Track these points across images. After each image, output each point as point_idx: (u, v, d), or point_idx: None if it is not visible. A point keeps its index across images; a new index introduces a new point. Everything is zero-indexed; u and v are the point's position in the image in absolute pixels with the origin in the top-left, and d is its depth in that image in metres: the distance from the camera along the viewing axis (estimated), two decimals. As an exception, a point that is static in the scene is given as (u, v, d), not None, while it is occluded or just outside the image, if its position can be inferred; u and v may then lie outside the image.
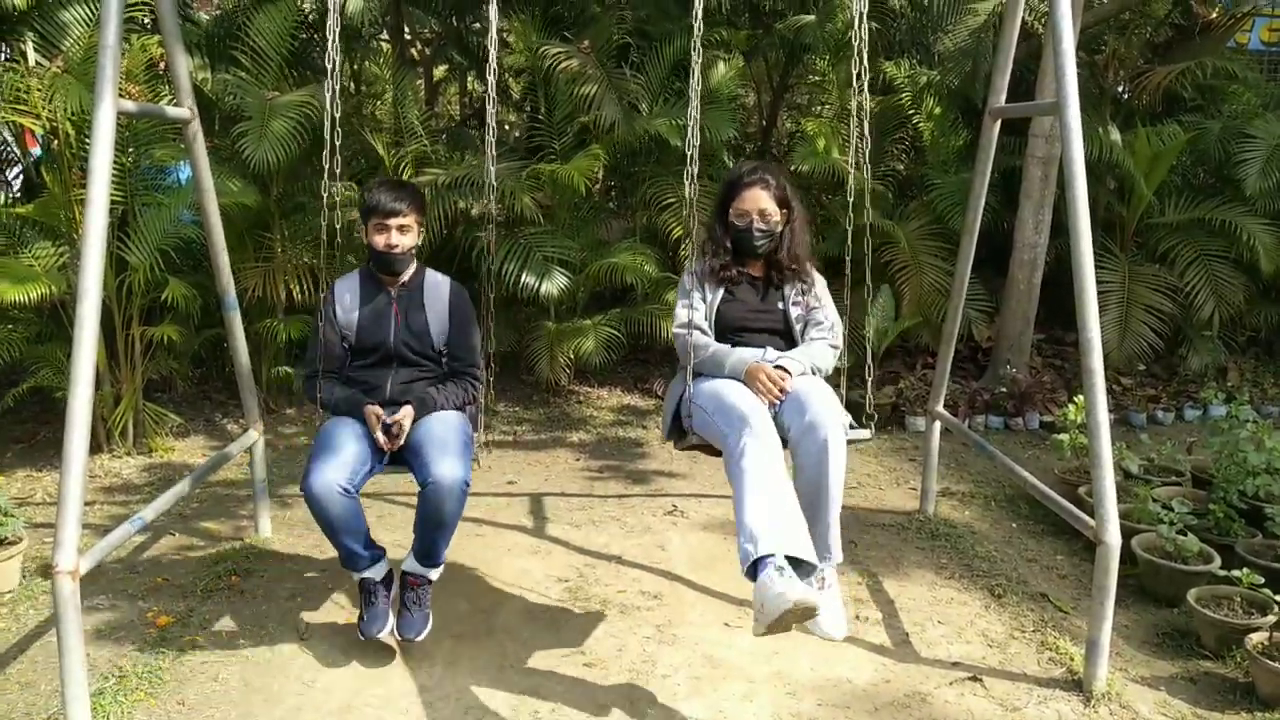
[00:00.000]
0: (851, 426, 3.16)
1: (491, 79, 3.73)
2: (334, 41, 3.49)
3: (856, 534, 4.47)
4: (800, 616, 2.52)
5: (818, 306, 3.43)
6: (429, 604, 3.36)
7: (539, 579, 3.96)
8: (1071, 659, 3.36)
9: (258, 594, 3.80)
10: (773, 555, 2.59)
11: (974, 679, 3.25)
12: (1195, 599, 3.46)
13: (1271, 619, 3.24)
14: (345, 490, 3.07)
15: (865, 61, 3.49)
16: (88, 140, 2.90)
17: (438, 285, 3.51)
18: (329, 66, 3.47)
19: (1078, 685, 3.20)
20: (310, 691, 3.13)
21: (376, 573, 3.32)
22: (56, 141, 4.91)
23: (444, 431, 3.24)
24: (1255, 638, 3.18)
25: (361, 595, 3.34)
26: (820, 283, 3.50)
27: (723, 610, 3.72)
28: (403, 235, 3.36)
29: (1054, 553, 4.33)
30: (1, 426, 5.74)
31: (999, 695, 3.17)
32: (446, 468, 3.09)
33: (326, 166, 3.47)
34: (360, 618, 3.32)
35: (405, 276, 3.46)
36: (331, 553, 4.14)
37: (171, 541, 4.32)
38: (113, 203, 4.45)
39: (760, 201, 3.32)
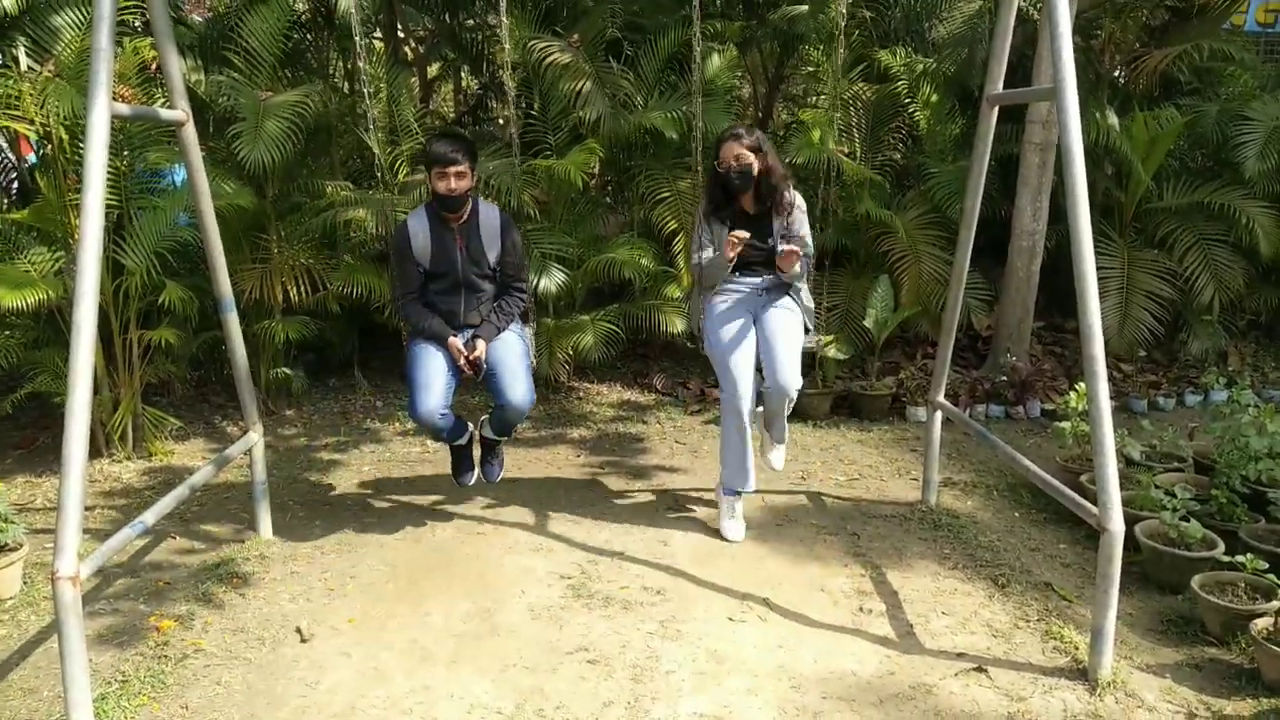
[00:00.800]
0: (811, 341, 4.37)
1: (509, 84, 3.76)
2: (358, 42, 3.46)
3: (859, 525, 4.46)
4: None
5: (794, 235, 4.20)
6: (503, 454, 4.56)
7: (541, 576, 3.95)
8: (1076, 648, 3.35)
9: (259, 597, 3.80)
10: (735, 494, 4.31)
11: (979, 669, 3.25)
12: (1199, 585, 3.45)
13: (1276, 604, 3.22)
14: (443, 414, 3.99)
15: (845, 50, 3.48)
16: (82, 144, 2.89)
17: (489, 215, 4.14)
18: (360, 67, 3.45)
19: (1083, 674, 3.19)
20: (313, 693, 3.13)
21: (464, 440, 4.39)
22: (50, 146, 4.90)
23: (510, 359, 4.07)
24: (1260, 623, 3.18)
25: (453, 455, 4.44)
26: (798, 205, 4.24)
27: (726, 605, 3.71)
28: (460, 180, 3.94)
29: (1057, 541, 4.32)
30: (0, 432, 5.73)
31: (1004, 685, 3.16)
32: (517, 392, 4.01)
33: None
34: (455, 472, 4.46)
35: (464, 213, 4.07)
36: (332, 554, 4.16)
37: (172, 545, 4.32)
38: (108, 207, 4.43)
39: (734, 149, 4.12)
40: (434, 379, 3.96)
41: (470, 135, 6.95)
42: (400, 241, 4.08)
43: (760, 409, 4.35)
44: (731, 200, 4.24)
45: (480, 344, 4.03)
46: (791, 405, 4.28)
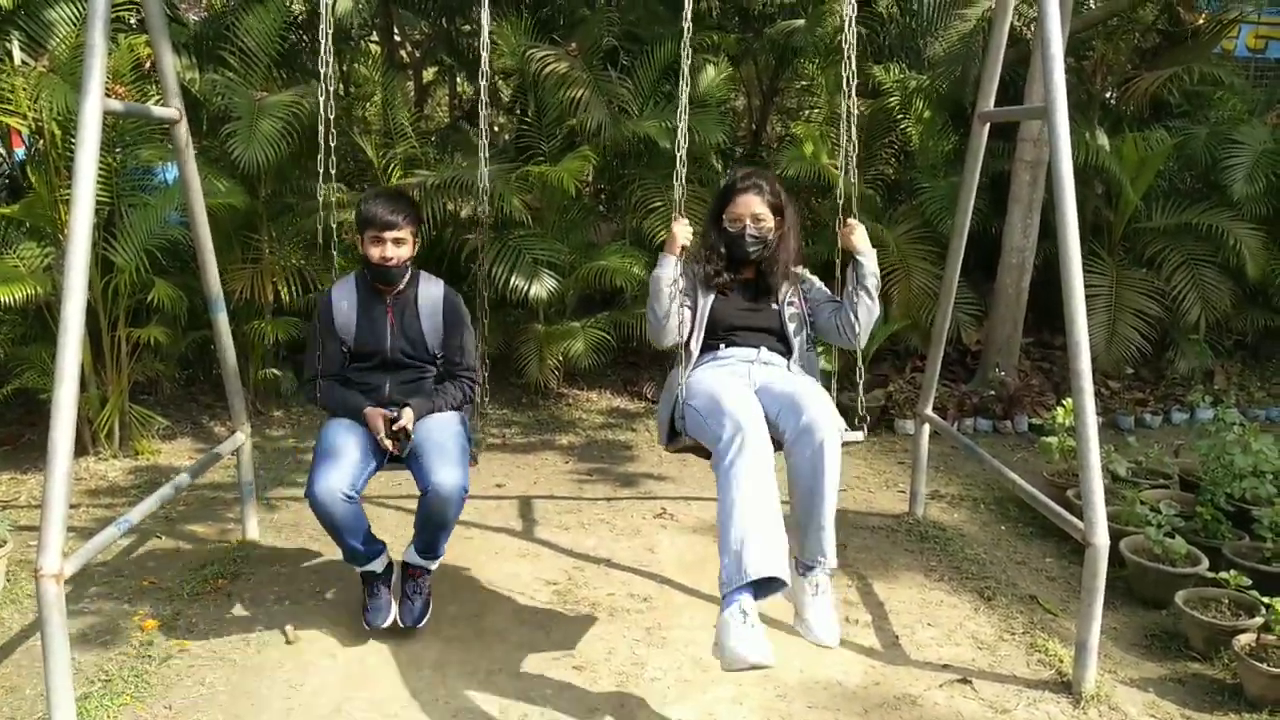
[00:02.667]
0: (844, 430, 3.05)
1: (484, 83, 3.74)
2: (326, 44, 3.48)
3: (846, 536, 4.47)
4: (755, 668, 2.59)
5: (820, 296, 3.48)
6: (429, 591, 3.54)
7: (528, 582, 3.95)
8: (1061, 661, 3.36)
9: (245, 597, 3.78)
10: (741, 594, 2.63)
11: (964, 681, 3.25)
12: (1183, 601, 3.47)
13: (1259, 620, 3.24)
14: (348, 497, 3.19)
15: (854, 65, 3.50)
16: (74, 140, 2.88)
17: (431, 291, 3.56)
18: (322, 70, 3.47)
19: (1067, 687, 3.20)
20: (298, 695, 3.11)
21: (378, 566, 3.46)
22: (42, 141, 4.88)
23: (442, 438, 3.34)
24: (1243, 639, 3.20)
25: (365, 588, 3.49)
26: (811, 277, 3.53)
27: (712, 613, 3.67)
28: (398, 248, 3.41)
29: (1043, 555, 4.34)
30: (-15, 429, 5.70)
31: (989, 697, 3.17)
32: (446, 475, 3.21)
33: (321, 169, 3.49)
34: (364, 609, 3.46)
35: (400, 285, 3.53)
36: (318, 556, 4.15)
37: (158, 544, 4.29)
38: (99, 203, 4.41)
39: (753, 206, 3.29)
40: (342, 451, 3.25)
41: (463, 139, 6.96)
42: (323, 315, 3.51)
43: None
44: (729, 262, 3.37)
45: (408, 412, 3.34)
46: (835, 468, 2.90)
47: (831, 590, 3.02)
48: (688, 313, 3.30)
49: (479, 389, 3.68)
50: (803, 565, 2.99)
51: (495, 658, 3.35)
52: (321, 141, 3.61)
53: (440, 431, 3.37)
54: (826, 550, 2.96)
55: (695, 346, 3.31)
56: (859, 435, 3.28)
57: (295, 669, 3.26)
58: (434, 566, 3.54)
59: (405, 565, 3.50)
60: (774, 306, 3.38)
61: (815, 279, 3.53)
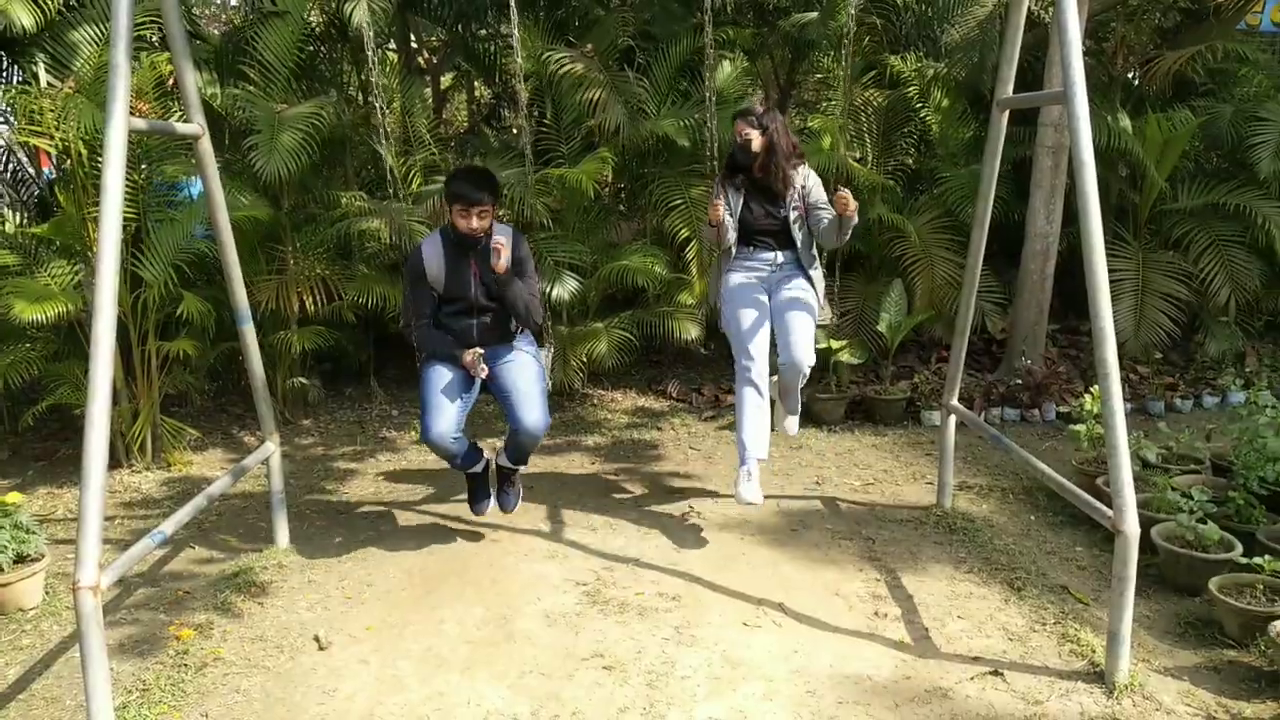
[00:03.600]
0: (823, 316, 4.47)
1: (521, 94, 3.78)
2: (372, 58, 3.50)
3: (874, 530, 4.46)
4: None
5: (817, 199, 4.37)
6: (519, 483, 4.47)
7: (556, 583, 3.97)
8: (1093, 651, 3.34)
9: (277, 605, 3.82)
10: (746, 462, 4.17)
11: (995, 673, 3.24)
12: (1217, 587, 3.44)
13: (1295, 606, 3.21)
14: (456, 437, 3.97)
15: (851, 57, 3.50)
16: (100, 159, 2.93)
17: (503, 237, 4.04)
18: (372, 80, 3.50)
19: (1100, 677, 3.18)
20: (332, 701, 3.15)
21: (479, 468, 4.30)
22: (70, 161, 4.96)
23: (524, 382, 4.07)
24: (1279, 624, 3.15)
25: (469, 483, 4.36)
26: (811, 179, 4.39)
27: (741, 610, 3.72)
28: (482, 219, 3.95)
29: (1073, 544, 4.30)
30: (22, 444, 5.81)
31: (1020, 689, 3.15)
32: (532, 417, 3.99)
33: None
34: (472, 498, 4.38)
35: (481, 240, 4.05)
36: (349, 563, 4.19)
37: (191, 555, 4.36)
38: (126, 220, 4.50)
39: (740, 127, 4.36)
40: (446, 401, 3.95)
41: (483, 142, 7.01)
42: (415, 267, 4.05)
43: (775, 379, 4.52)
44: (742, 171, 4.42)
45: (479, 362, 3.95)
46: (804, 380, 4.40)
47: (798, 417, 4.72)
48: (729, 218, 4.36)
49: (545, 312, 4.49)
50: (785, 410, 4.65)
51: (525, 659, 3.37)
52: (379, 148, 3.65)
53: (520, 374, 4.08)
54: (796, 406, 4.66)
55: (733, 245, 4.42)
56: (826, 317, 4.60)
57: (328, 675, 3.30)
58: (523, 468, 4.39)
59: (500, 468, 4.32)
60: (782, 214, 4.38)
61: (815, 183, 4.40)
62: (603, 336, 6.20)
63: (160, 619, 3.72)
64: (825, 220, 4.33)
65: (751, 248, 4.46)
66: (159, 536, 3.24)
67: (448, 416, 3.93)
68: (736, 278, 4.45)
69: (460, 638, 3.51)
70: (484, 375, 3.98)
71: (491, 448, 4.59)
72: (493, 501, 4.40)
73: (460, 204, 3.93)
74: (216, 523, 4.72)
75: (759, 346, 4.26)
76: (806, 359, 4.26)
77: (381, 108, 4.10)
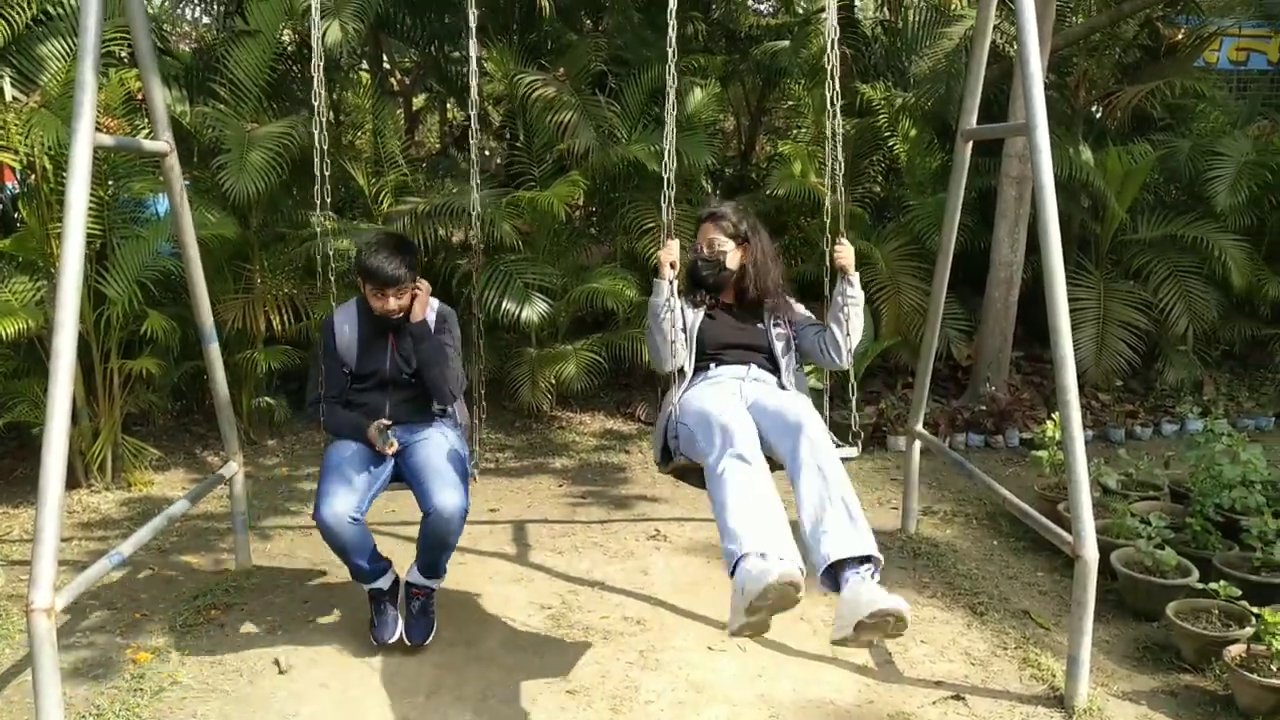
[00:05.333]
0: (836, 445, 3.15)
1: (474, 111, 3.79)
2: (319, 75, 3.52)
3: (839, 554, 4.47)
4: (781, 600, 2.48)
5: (803, 320, 3.62)
6: (434, 610, 3.64)
7: (521, 606, 3.95)
8: (1053, 675, 3.37)
9: (238, 628, 3.77)
10: (747, 557, 2.59)
11: (957, 698, 3.26)
12: (1174, 613, 3.48)
13: (1249, 631, 3.25)
14: (354, 519, 3.34)
15: (838, 87, 3.57)
16: (65, 174, 2.91)
17: (428, 311, 3.63)
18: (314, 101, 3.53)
19: (1059, 701, 3.21)
20: (291, 725, 3.11)
21: (384, 583, 3.58)
22: (34, 176, 4.91)
23: (442, 461, 3.48)
24: (1234, 650, 3.20)
25: (372, 604, 3.60)
26: (794, 305, 3.68)
27: (706, 634, 3.71)
28: (399, 298, 3.50)
29: (1035, 569, 4.35)
30: (-21, 463, 5.70)
31: (982, 713, 3.17)
32: (447, 497, 3.34)
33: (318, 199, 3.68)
34: (371, 624, 3.59)
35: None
36: (311, 586, 4.15)
37: (150, 576, 4.29)
38: (90, 236, 4.46)
39: (708, 233, 3.51)
40: (347, 475, 3.41)
41: (454, 164, 7.00)
42: (326, 340, 3.64)
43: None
44: (708, 291, 3.55)
45: (393, 442, 3.49)
46: (841, 472, 2.95)
47: (871, 575, 2.76)
48: (681, 335, 3.37)
49: (463, 384, 3.65)
50: (849, 570, 2.71)
51: (489, 683, 3.35)
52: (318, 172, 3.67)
53: (440, 455, 3.50)
54: (866, 544, 2.75)
55: (688, 366, 3.41)
56: (853, 451, 3.43)
57: (288, 699, 3.26)
58: (437, 585, 3.64)
59: (409, 585, 3.58)
60: (760, 326, 3.55)
61: (798, 305, 3.68)
62: (571, 359, 6.21)
63: (117, 642, 3.66)
64: (821, 333, 3.46)
65: (712, 365, 3.43)
66: (117, 558, 3.19)
67: (347, 495, 3.33)
68: (695, 390, 3.34)
69: (424, 660, 3.48)
70: (392, 450, 3.49)
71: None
72: (400, 628, 3.56)
73: (373, 284, 3.45)
74: (177, 543, 4.65)
75: (736, 420, 2.97)
76: (805, 416, 3.03)
77: (319, 115, 3.70)
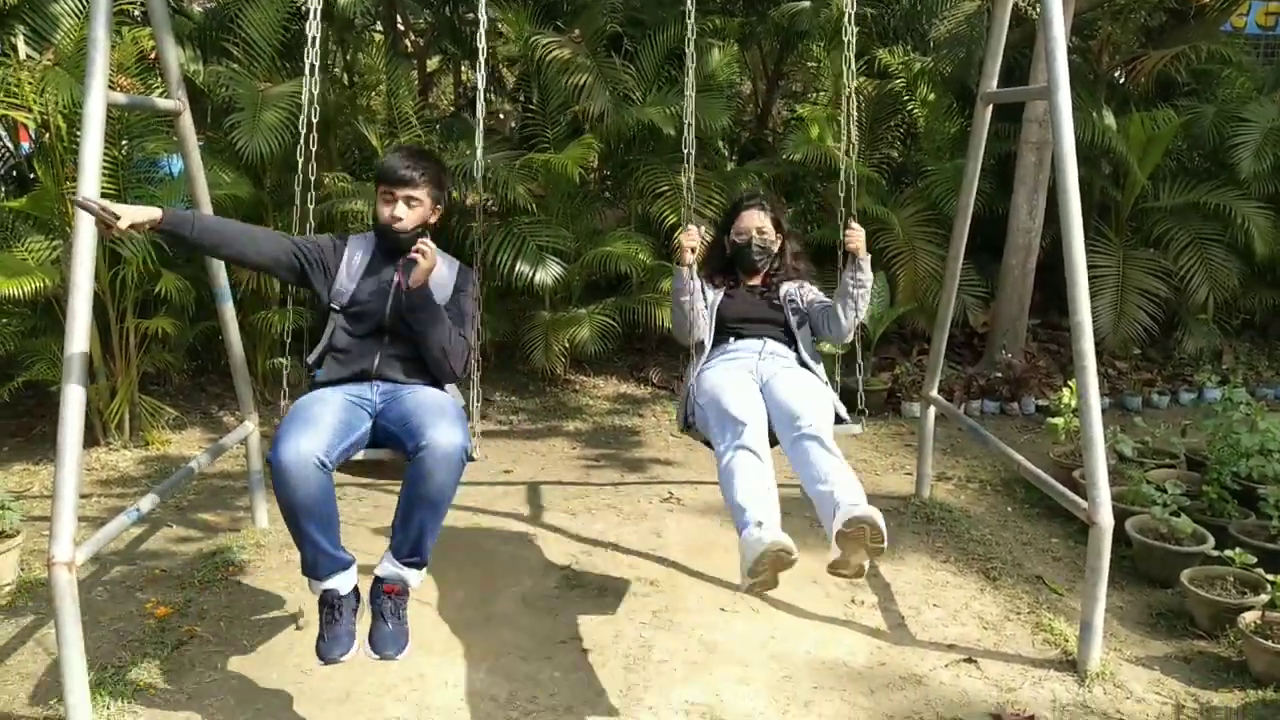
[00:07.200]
0: (839, 420, 3.34)
1: (482, 72, 3.73)
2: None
3: (852, 519, 4.48)
4: (776, 563, 2.74)
5: (815, 297, 3.70)
6: (407, 617, 2.85)
7: (536, 567, 3.97)
8: (1066, 640, 3.37)
9: (255, 584, 3.81)
10: (748, 525, 2.81)
11: (969, 660, 3.27)
12: (1189, 579, 3.48)
13: (1264, 598, 3.25)
14: (321, 463, 2.63)
15: (853, 54, 3.54)
16: (79, 133, 2.90)
17: (446, 266, 3.18)
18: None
19: (1072, 666, 3.22)
20: (308, 680, 3.14)
21: (343, 584, 2.77)
22: (48, 135, 4.90)
23: (436, 402, 2.90)
24: (1248, 617, 3.20)
25: (321, 611, 2.78)
26: (815, 289, 3.76)
27: (719, 595, 3.73)
28: (409, 209, 3.00)
29: (1049, 536, 4.34)
30: (-2, 421, 5.75)
31: (994, 676, 3.18)
32: (443, 433, 2.69)
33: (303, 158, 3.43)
34: (320, 638, 2.75)
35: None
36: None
37: (169, 533, 4.33)
38: (105, 195, 4.45)
39: (756, 220, 3.64)
40: (319, 415, 2.78)
41: (468, 127, 6.96)
42: (331, 238, 3.17)
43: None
44: (741, 272, 3.71)
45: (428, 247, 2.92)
46: (839, 464, 3.03)
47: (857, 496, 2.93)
48: (704, 311, 3.55)
49: (469, 358, 3.15)
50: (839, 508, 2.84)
51: (503, 642, 3.38)
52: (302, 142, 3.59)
53: (432, 398, 2.93)
54: (845, 489, 2.92)
55: (707, 340, 3.57)
56: (856, 428, 3.45)
57: (305, 654, 3.28)
58: (416, 583, 2.87)
59: (379, 581, 2.82)
60: (776, 302, 3.66)
61: (814, 288, 3.76)
62: (585, 322, 6.20)
63: (137, 597, 3.70)
64: (828, 306, 3.56)
65: (731, 339, 3.57)
66: (135, 514, 3.22)
67: (318, 434, 2.69)
68: (713, 367, 3.46)
69: (439, 619, 3.51)
70: (428, 263, 2.90)
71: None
72: (355, 645, 2.77)
73: (384, 184, 3.00)
74: (194, 502, 4.69)
75: (747, 412, 3.09)
76: (818, 418, 3.10)
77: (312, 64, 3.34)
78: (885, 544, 2.82)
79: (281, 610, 3.59)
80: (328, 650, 2.73)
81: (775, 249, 3.68)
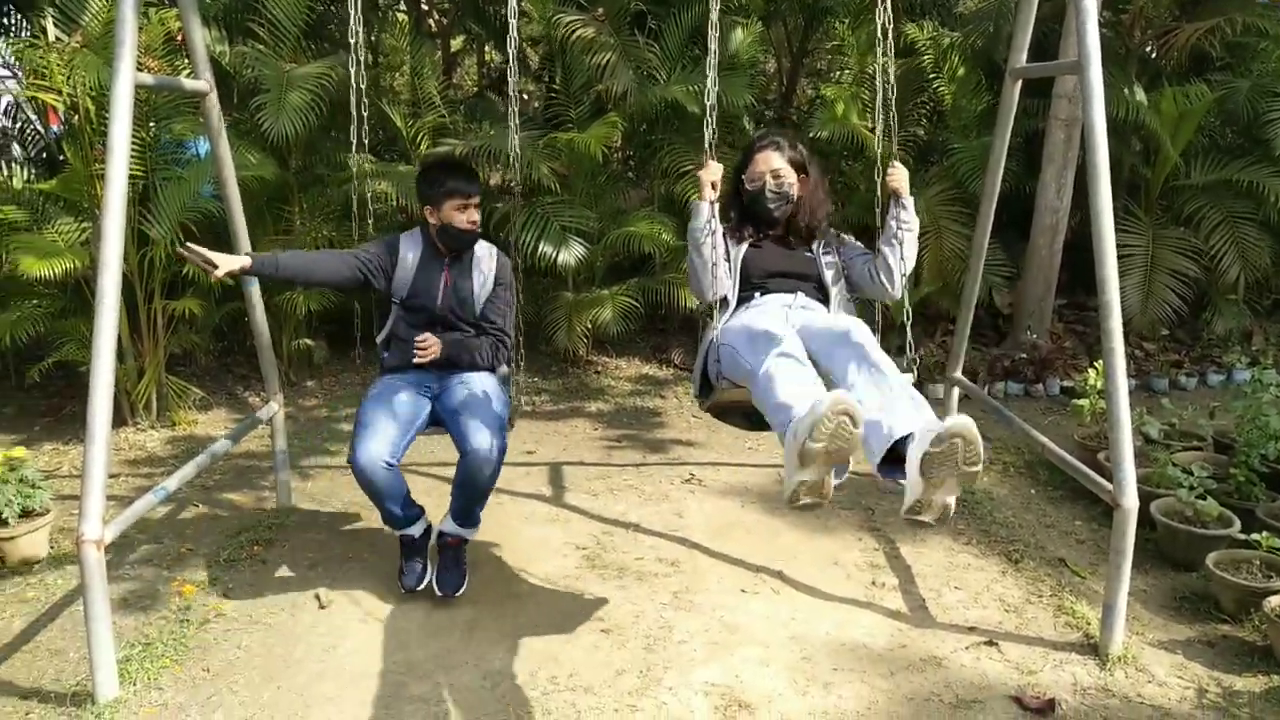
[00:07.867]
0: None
1: (513, 50, 3.74)
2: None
3: (874, 500, 4.47)
4: (836, 435, 2.24)
5: (855, 250, 3.41)
6: (466, 561, 3.60)
7: (557, 547, 3.99)
8: (1088, 623, 3.36)
9: (280, 563, 3.86)
10: (803, 408, 2.36)
11: (990, 643, 3.26)
12: (1214, 563, 3.45)
13: (1291, 583, 3.22)
14: (388, 464, 3.32)
15: (889, 27, 3.46)
16: (108, 115, 2.93)
17: (487, 255, 3.69)
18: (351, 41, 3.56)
19: (1094, 649, 3.20)
20: (331, 657, 3.19)
21: (416, 530, 3.59)
22: (77, 117, 4.94)
23: (481, 401, 3.47)
24: (1274, 601, 3.17)
25: (402, 550, 3.62)
26: (845, 236, 3.51)
27: (740, 577, 3.74)
28: (478, 212, 3.58)
29: (1072, 518, 4.31)
30: (28, 400, 5.84)
31: (1015, 659, 3.17)
32: (483, 439, 3.31)
33: (354, 140, 3.75)
34: (400, 571, 3.59)
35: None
36: (351, 523, 4.22)
37: (195, 512, 4.39)
38: (133, 177, 4.49)
39: (772, 162, 3.27)
40: (384, 420, 3.38)
41: (492, 107, 6.96)
42: (384, 241, 3.67)
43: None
44: (761, 224, 3.35)
45: (430, 338, 3.54)
46: (886, 365, 2.68)
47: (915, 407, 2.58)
48: (725, 263, 3.17)
49: (507, 352, 3.75)
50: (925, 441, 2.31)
51: (525, 621, 3.40)
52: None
53: (478, 397, 3.48)
54: (954, 421, 2.30)
55: (731, 296, 3.22)
56: (908, 377, 3.02)
57: (329, 632, 3.34)
58: (471, 536, 3.60)
59: (442, 535, 3.55)
60: (808, 255, 3.33)
61: (848, 236, 3.51)
62: (608, 303, 6.20)
63: (163, 575, 3.76)
64: (870, 260, 3.28)
65: (757, 294, 3.21)
66: (162, 492, 3.27)
67: (383, 439, 3.32)
68: (737, 316, 3.14)
69: (461, 598, 3.54)
70: (432, 354, 3.51)
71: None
72: (429, 575, 3.57)
73: (458, 199, 3.50)
74: (220, 481, 4.75)
75: (782, 332, 2.76)
76: (851, 324, 2.83)
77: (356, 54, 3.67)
78: (980, 465, 2.29)
79: (305, 589, 3.63)
80: (406, 581, 3.56)
81: (794, 193, 3.27)
